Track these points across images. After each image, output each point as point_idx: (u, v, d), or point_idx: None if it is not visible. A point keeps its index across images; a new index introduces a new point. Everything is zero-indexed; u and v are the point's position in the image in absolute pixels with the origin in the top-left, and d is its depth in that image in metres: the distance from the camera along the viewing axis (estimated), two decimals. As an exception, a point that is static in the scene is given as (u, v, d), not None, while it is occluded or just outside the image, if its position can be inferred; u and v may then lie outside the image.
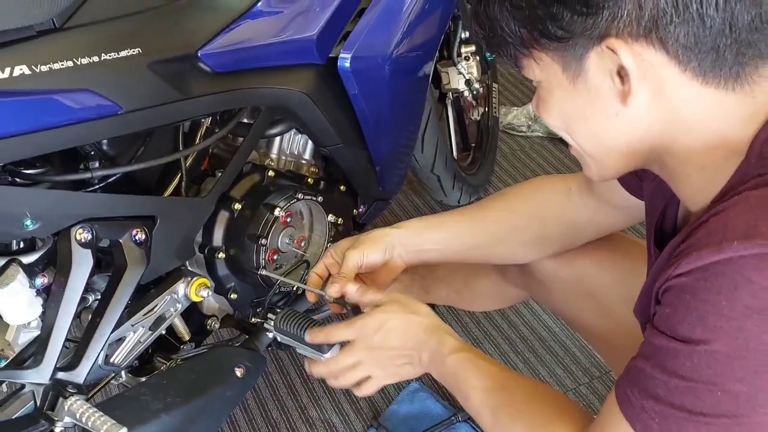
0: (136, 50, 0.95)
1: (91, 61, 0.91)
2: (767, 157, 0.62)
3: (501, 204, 1.10)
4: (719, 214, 0.61)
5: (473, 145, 2.06)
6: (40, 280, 0.97)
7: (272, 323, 1.12)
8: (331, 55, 1.21)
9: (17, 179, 0.95)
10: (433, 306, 1.66)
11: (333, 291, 1.00)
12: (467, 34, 1.78)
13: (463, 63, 1.78)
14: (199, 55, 1.04)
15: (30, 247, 1.01)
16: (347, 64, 1.21)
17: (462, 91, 1.82)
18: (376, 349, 0.94)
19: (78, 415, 0.91)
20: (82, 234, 0.97)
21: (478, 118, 2.02)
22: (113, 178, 1.05)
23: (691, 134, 0.66)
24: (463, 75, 1.78)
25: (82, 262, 0.98)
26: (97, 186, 1.04)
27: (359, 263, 1.02)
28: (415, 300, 0.97)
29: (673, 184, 0.73)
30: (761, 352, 0.57)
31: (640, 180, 0.90)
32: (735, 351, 0.58)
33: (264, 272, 1.21)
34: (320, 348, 1.05)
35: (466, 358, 0.88)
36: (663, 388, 0.62)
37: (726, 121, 0.65)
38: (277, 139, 1.35)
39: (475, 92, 1.86)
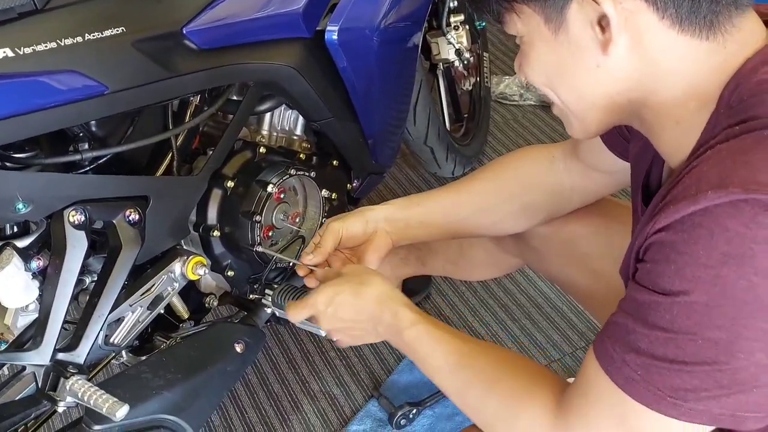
0: (120, 29, 0.95)
1: (74, 41, 0.90)
2: (735, 106, 0.63)
3: (485, 176, 1.11)
4: (694, 169, 0.62)
5: (466, 115, 2.06)
6: (36, 263, 0.98)
7: (270, 299, 1.13)
8: (318, 28, 1.20)
9: (7, 163, 0.95)
10: (429, 277, 1.67)
11: (306, 260, 1.02)
12: (456, 2, 1.76)
13: (453, 32, 1.77)
14: (184, 32, 1.03)
15: (24, 230, 1.01)
16: (335, 37, 1.20)
17: (452, 61, 1.81)
18: (332, 320, 0.94)
19: (80, 395, 0.92)
20: (75, 216, 0.97)
21: (470, 88, 2.01)
22: (104, 159, 1.05)
23: (666, 86, 0.67)
24: (453, 45, 1.77)
25: (77, 244, 0.98)
26: (88, 168, 1.04)
27: (338, 235, 1.03)
28: (369, 270, 0.97)
29: (653, 140, 0.74)
30: (738, 297, 0.58)
31: (627, 141, 0.90)
32: (713, 299, 0.59)
33: (260, 249, 1.21)
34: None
35: (424, 332, 0.86)
36: (645, 341, 0.63)
37: (697, 71, 0.66)
38: (268, 115, 1.34)
39: (465, 62, 1.85)
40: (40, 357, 0.96)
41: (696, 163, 0.63)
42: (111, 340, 1.08)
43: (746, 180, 0.57)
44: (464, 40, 1.79)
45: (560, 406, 0.73)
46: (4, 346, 1.03)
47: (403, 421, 1.42)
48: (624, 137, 0.90)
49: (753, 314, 0.58)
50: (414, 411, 1.42)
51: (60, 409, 0.97)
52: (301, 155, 1.33)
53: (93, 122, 1.04)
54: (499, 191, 1.08)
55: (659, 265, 0.62)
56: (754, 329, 0.58)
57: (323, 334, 1.07)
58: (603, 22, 0.64)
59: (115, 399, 0.91)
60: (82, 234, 0.98)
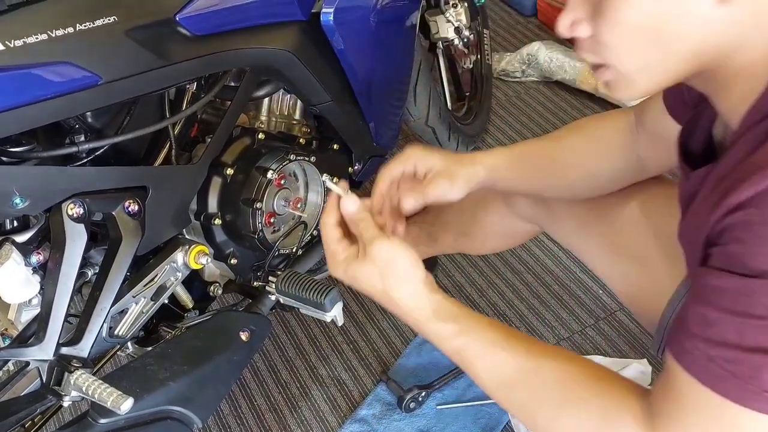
0: (112, 18, 0.93)
1: (66, 32, 0.89)
2: None
3: (574, 154, 1.04)
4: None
5: (467, 94, 2.04)
6: (36, 258, 0.97)
7: (274, 285, 1.12)
8: (313, 11, 1.18)
9: (2, 158, 0.94)
10: (435, 258, 1.66)
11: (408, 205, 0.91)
12: (454, -20, 1.74)
13: (451, 10, 1.74)
14: (177, 19, 1.01)
15: (23, 225, 1.00)
16: (330, 19, 1.18)
17: (452, 40, 1.79)
18: (373, 289, 0.80)
19: (84, 389, 0.92)
20: (73, 209, 0.96)
21: (471, 66, 1.99)
22: (101, 150, 1.04)
23: (762, 38, 0.60)
24: (451, 23, 1.75)
25: (77, 238, 0.97)
26: (86, 160, 1.03)
27: (443, 197, 0.95)
28: (398, 265, 0.79)
29: (715, 98, 0.67)
30: None
31: (687, 105, 0.84)
32: None
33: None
34: (323, 306, 1.05)
35: (467, 345, 0.75)
36: (732, 332, 0.57)
37: None
38: (266, 100, 1.33)
39: (465, 40, 1.82)
40: (43, 352, 0.95)
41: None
42: (115, 332, 1.08)
43: None
44: (463, 17, 1.77)
45: (651, 417, 0.65)
46: (8, 342, 1.02)
47: (412, 404, 1.42)
48: (685, 102, 0.84)
49: None
50: (423, 394, 1.42)
51: (65, 404, 0.96)
52: (301, 140, 1.32)
53: (88, 113, 1.03)
54: (586, 167, 1.02)
55: (749, 244, 0.55)
56: None
57: (328, 319, 1.06)
58: None
59: (120, 392, 0.90)
60: (81, 227, 0.97)
